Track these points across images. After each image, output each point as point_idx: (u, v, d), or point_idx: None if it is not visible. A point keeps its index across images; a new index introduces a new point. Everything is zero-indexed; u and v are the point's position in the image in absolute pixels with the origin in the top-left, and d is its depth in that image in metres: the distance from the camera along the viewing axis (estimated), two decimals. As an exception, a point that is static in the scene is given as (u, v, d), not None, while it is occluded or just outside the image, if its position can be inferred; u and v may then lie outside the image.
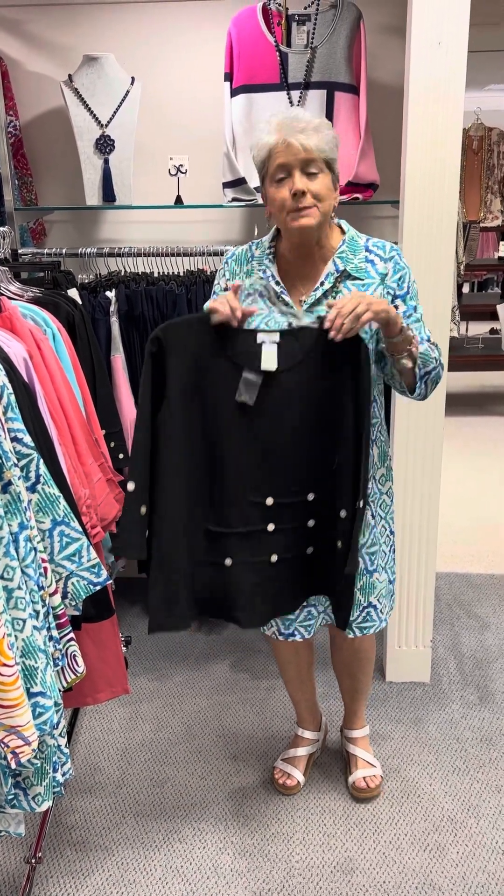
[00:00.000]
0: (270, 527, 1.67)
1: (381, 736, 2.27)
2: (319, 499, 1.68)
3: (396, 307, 1.69)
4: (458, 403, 5.78)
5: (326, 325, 1.52)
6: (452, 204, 2.13)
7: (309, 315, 1.66)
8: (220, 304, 1.56)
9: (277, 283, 1.71)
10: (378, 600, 1.86)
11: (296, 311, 1.67)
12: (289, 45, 2.40)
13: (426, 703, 2.41)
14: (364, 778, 2.06)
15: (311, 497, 1.67)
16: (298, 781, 2.07)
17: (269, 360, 1.57)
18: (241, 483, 1.64)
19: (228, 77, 2.45)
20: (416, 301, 1.75)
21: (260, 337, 1.57)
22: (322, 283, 1.69)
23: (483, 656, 2.65)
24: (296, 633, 1.89)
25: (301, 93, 2.40)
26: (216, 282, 1.85)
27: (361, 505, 1.60)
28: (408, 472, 2.31)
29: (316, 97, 2.40)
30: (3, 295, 1.69)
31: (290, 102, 2.41)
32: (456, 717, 2.34)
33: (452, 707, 2.39)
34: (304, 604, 1.85)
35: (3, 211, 2.50)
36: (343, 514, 1.65)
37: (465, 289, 7.50)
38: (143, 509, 1.59)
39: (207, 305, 1.61)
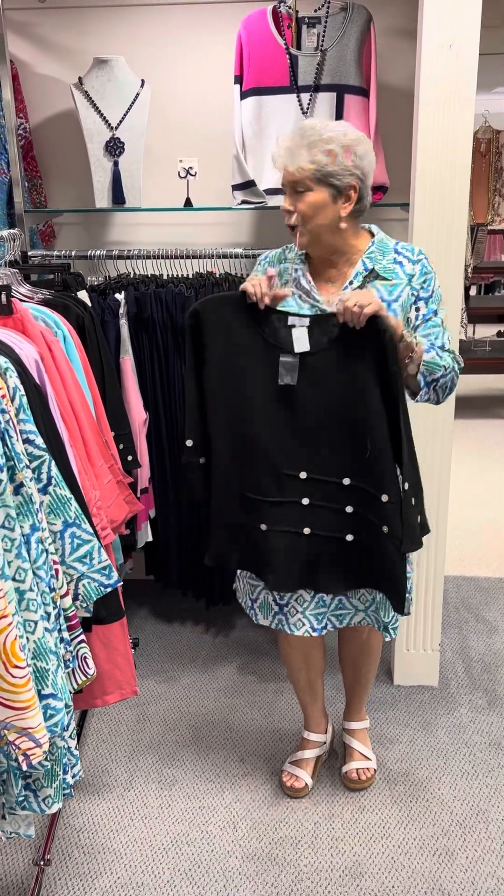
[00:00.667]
0: (305, 500, 1.75)
1: (389, 739, 2.26)
2: (356, 485, 1.72)
3: (418, 309, 1.76)
4: (465, 406, 5.77)
5: (339, 318, 1.62)
6: (463, 207, 2.13)
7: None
8: (252, 286, 1.69)
9: (308, 282, 1.78)
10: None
11: (323, 306, 1.75)
12: (299, 47, 2.40)
13: (434, 706, 2.40)
14: (357, 770, 2.09)
15: (346, 482, 1.72)
16: (307, 784, 2.07)
17: (301, 342, 1.68)
18: (275, 455, 1.74)
19: (238, 79, 2.45)
20: (437, 306, 1.79)
21: (291, 320, 1.68)
22: (351, 282, 1.76)
23: (491, 660, 2.64)
24: (327, 624, 1.88)
25: (311, 95, 2.40)
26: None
27: (407, 487, 1.65)
28: (417, 475, 2.31)
29: (326, 100, 2.40)
30: (14, 297, 1.69)
31: (300, 105, 2.41)
32: (464, 721, 2.33)
33: (461, 711, 2.38)
34: (344, 597, 1.86)
35: (14, 213, 2.50)
36: (385, 498, 1.68)
37: (473, 291, 7.48)
38: (202, 459, 1.81)
39: (242, 287, 1.72)
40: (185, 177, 2.53)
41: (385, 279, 1.75)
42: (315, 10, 2.38)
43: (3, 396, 1.32)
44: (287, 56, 2.39)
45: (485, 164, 6.26)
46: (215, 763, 2.19)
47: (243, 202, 2.47)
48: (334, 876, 1.83)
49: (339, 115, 2.40)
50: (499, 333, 6.55)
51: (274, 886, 1.81)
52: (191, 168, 2.56)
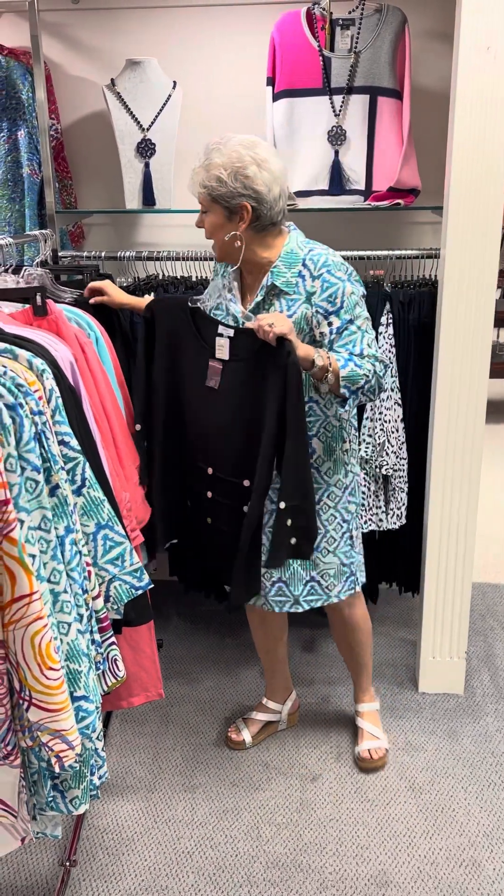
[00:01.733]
0: (209, 493, 1.92)
1: (415, 747, 2.24)
2: (252, 489, 1.82)
3: (331, 323, 1.78)
4: (491, 411, 5.70)
5: (258, 335, 1.70)
6: (497, 211, 2.10)
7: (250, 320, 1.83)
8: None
9: (230, 291, 1.91)
10: (322, 577, 1.98)
11: (239, 317, 1.87)
12: (332, 49, 2.39)
13: (460, 715, 2.38)
14: (368, 750, 2.18)
15: (246, 483, 1.84)
16: (244, 740, 2.24)
17: (223, 351, 1.84)
18: (193, 447, 1.93)
19: (271, 81, 2.44)
20: (353, 314, 1.78)
21: (220, 329, 1.84)
22: (257, 296, 1.84)
23: (517, 669, 2.61)
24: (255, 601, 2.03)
25: (343, 97, 2.39)
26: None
27: (283, 506, 1.76)
28: (445, 481, 2.29)
29: (358, 102, 2.39)
30: (49, 298, 1.70)
31: (333, 107, 2.40)
32: (491, 730, 2.31)
33: (487, 720, 2.35)
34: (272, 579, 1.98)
35: (45, 213, 2.51)
36: (283, 505, 1.77)
37: (497, 295, 7.41)
38: (146, 443, 1.95)
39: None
40: (215, 178, 2.52)
41: (287, 293, 1.80)
42: (349, 12, 2.36)
43: (41, 398, 1.32)
44: (320, 58, 2.38)
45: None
46: (238, 767, 2.18)
47: (274, 204, 2.46)
48: (359, 885, 1.82)
49: (372, 118, 2.38)
50: (523, 338, 6.47)
51: (299, 893, 1.79)
52: (221, 170, 2.54)
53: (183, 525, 2.05)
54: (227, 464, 1.87)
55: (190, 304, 1.90)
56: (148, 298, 2.04)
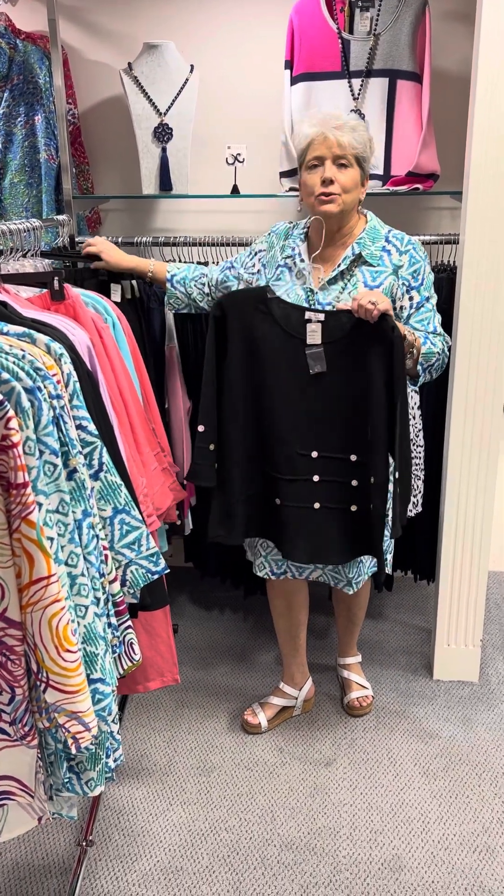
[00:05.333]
0: (315, 477, 1.91)
1: (429, 734, 2.24)
2: (361, 461, 1.88)
3: (411, 298, 1.92)
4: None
5: (356, 314, 1.78)
6: (518, 195, 2.08)
7: (325, 292, 1.90)
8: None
9: (302, 261, 1.94)
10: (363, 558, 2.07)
11: (312, 287, 1.92)
12: (351, 31, 2.36)
13: (475, 702, 2.38)
14: (357, 698, 2.31)
15: (353, 458, 1.89)
16: (260, 723, 2.25)
17: (314, 336, 1.84)
18: (290, 437, 1.90)
19: (289, 65, 2.42)
20: (430, 292, 1.95)
21: (308, 314, 1.83)
22: (339, 265, 1.90)
23: (533, 657, 2.61)
24: (286, 571, 2.11)
25: (363, 81, 2.37)
26: (254, 243, 2.11)
27: (397, 475, 1.80)
28: (462, 469, 2.28)
29: (377, 85, 2.36)
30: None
31: (351, 90, 2.38)
32: (505, 718, 2.31)
33: (501, 707, 2.35)
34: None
35: (62, 199, 2.51)
36: (373, 479, 1.86)
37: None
38: (212, 446, 1.91)
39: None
40: (232, 163, 2.51)
41: (370, 265, 1.90)
42: (369, -6, 2.33)
43: (59, 382, 1.33)
44: (339, 41, 2.35)
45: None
46: (252, 751, 2.19)
47: (291, 189, 2.45)
48: (373, 868, 1.82)
49: (391, 101, 2.36)
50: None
51: (312, 876, 1.81)
52: (239, 154, 2.53)
53: (265, 520, 2.00)
54: (334, 443, 1.88)
55: (269, 294, 1.87)
56: (153, 261, 2.10)
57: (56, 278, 1.64)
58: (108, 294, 2.08)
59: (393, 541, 2.09)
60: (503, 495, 2.98)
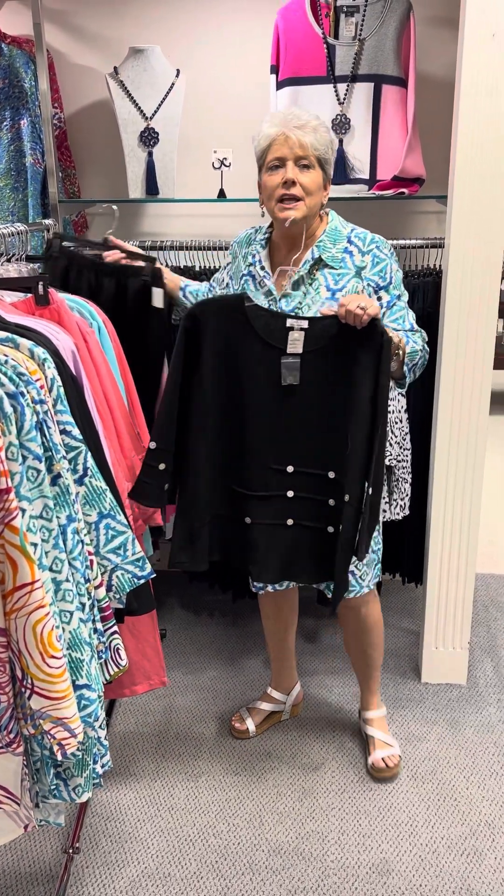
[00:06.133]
0: (290, 493, 1.81)
1: (417, 737, 2.24)
2: (339, 480, 1.76)
3: (380, 298, 1.83)
4: (495, 402, 5.69)
5: (342, 320, 1.67)
6: (503, 201, 2.09)
7: (287, 298, 1.82)
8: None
9: (262, 269, 1.86)
10: (356, 566, 1.97)
11: (275, 296, 1.83)
12: (336, 37, 2.37)
13: (462, 704, 2.38)
14: (382, 758, 2.11)
15: (331, 475, 1.78)
16: (248, 729, 2.24)
17: (296, 344, 1.73)
18: (264, 451, 1.79)
19: (274, 69, 2.43)
20: (400, 290, 1.85)
21: (290, 322, 1.73)
22: (299, 271, 1.82)
23: (520, 659, 2.62)
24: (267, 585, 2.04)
25: (348, 86, 2.37)
26: (225, 261, 2.06)
27: (370, 491, 1.70)
28: (449, 472, 2.28)
29: (363, 90, 2.37)
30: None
31: (337, 95, 2.38)
32: (493, 720, 2.31)
33: (489, 710, 2.36)
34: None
35: (48, 203, 2.51)
36: (346, 497, 1.73)
37: (502, 285, 7.38)
38: (162, 466, 1.76)
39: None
40: (219, 168, 2.51)
41: (332, 268, 1.81)
42: (354, -1, 2.34)
43: (42, 387, 1.32)
44: (324, 45, 2.36)
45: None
46: (241, 756, 2.19)
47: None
48: (361, 872, 1.82)
49: (376, 106, 2.37)
50: (529, 328, 6.44)
51: (300, 881, 1.80)
52: (225, 159, 2.53)
53: (231, 540, 1.87)
54: (311, 458, 1.77)
55: (247, 302, 1.74)
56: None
57: (40, 283, 1.63)
58: (149, 298, 2.04)
59: (374, 556, 2.00)
60: (490, 497, 2.99)
